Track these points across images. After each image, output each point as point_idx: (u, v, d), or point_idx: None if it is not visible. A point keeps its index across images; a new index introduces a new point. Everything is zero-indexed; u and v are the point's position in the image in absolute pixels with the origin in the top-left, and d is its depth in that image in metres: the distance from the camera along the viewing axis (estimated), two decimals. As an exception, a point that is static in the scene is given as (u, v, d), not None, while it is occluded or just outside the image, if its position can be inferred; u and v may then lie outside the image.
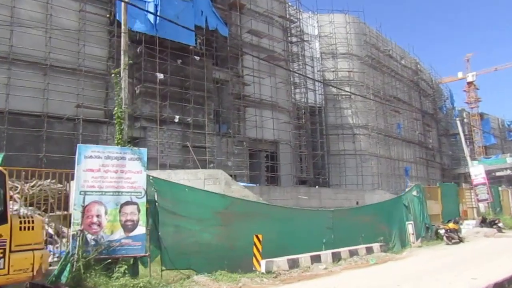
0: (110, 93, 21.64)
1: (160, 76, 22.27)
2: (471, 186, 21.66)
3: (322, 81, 36.05)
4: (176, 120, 22.87)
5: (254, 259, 8.43)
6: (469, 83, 76.23)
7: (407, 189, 16.32)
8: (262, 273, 8.21)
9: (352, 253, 10.54)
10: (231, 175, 24.53)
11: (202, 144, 23.90)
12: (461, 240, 14.61)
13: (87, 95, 20.69)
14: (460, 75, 77.57)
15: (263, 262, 8.48)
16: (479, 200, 21.05)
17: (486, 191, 20.80)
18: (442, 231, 14.15)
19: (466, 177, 60.19)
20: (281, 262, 8.69)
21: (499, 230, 18.30)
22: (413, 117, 46.89)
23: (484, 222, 19.03)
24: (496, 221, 18.68)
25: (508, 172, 73.33)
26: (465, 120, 78.67)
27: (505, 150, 78.45)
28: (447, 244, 13.88)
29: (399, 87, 44.59)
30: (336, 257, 10.00)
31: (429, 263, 9.86)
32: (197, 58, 24.09)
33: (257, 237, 8.41)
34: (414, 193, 15.65)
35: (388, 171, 38.84)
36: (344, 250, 10.43)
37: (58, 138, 20.00)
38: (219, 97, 27.05)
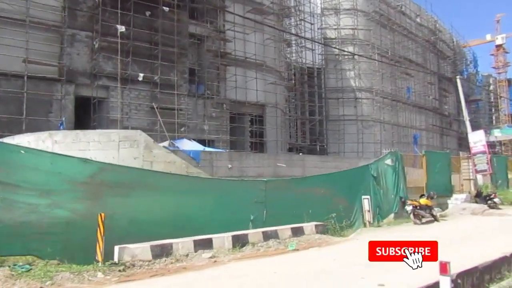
0: (66, 47, 19.73)
1: (121, 28, 20.00)
2: (469, 155, 18.88)
3: (319, 42, 32.90)
4: (140, 79, 20.73)
5: (97, 246, 6.42)
6: (498, 46, 70.25)
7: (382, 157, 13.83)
8: (104, 264, 6.23)
9: (269, 236, 8.36)
10: (207, 140, 22.74)
11: (173, 106, 21.78)
12: (435, 218, 12.22)
13: (38, 50, 18.70)
14: (488, 37, 71.46)
15: (115, 249, 6.49)
16: (477, 171, 18.32)
17: (486, 160, 18.00)
18: (409, 208, 11.73)
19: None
20: (139, 249, 6.63)
21: (494, 206, 15.74)
22: (428, 80, 43.11)
23: (479, 196, 16.47)
24: (492, 196, 16.07)
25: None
26: (491, 86, 73.47)
27: (535, 118, 73.03)
28: (415, 224, 11.53)
29: (412, 47, 40.71)
30: (240, 241, 7.88)
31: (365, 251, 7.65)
32: (166, 9, 21.58)
33: (100, 216, 6.36)
34: (388, 161, 13.22)
35: (393, 138, 35.89)
36: (255, 232, 8.27)
37: (5, 97, 18.27)
38: (198, 55, 24.64)
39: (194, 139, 22.08)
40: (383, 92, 35.49)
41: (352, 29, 34.36)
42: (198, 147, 20.38)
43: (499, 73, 71.12)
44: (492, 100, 73.44)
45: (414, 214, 11.72)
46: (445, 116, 46.62)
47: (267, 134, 26.60)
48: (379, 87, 34.77)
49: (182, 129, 21.97)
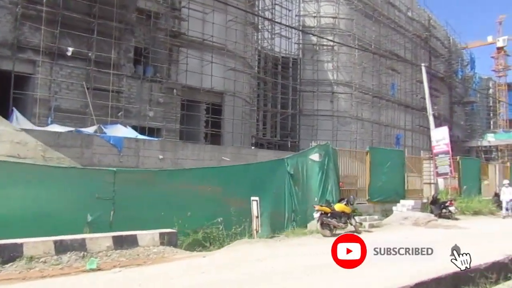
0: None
1: (47, -6, 17.71)
2: (431, 155, 16.47)
3: (296, 28, 30.42)
4: (69, 53, 18.42)
5: None
6: (499, 49, 67.21)
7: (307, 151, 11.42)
8: None
9: (67, 247, 5.99)
10: (148, 128, 20.43)
11: (109, 87, 19.47)
12: (355, 229, 9.85)
13: None
14: (490, 39, 68.57)
15: None
16: (438, 174, 15.92)
17: (448, 162, 15.60)
18: (316, 215, 9.33)
19: (479, 152, 53.67)
20: None
21: (449, 215, 13.42)
22: (417, 78, 40.48)
23: (435, 203, 14.09)
24: (448, 204, 13.69)
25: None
26: (491, 90, 70.65)
27: (535, 125, 70.05)
28: (324, 236, 9.14)
29: (401, 42, 38.19)
30: (8, 254, 5.54)
31: (194, 277, 5.36)
32: (106, -23, 19.26)
33: None
34: (314, 157, 10.90)
35: (373, 138, 33.47)
36: (39, 242, 5.86)
37: None
38: (147, 33, 22.28)
39: (135, 126, 19.89)
40: (363, 87, 33.07)
41: (333, 17, 31.92)
42: (131, 134, 18.17)
43: (499, 76, 68.20)
44: (491, 104, 70.75)
45: (322, 224, 9.38)
46: (435, 117, 43.90)
47: (225, 125, 24.28)
48: (359, 81, 32.34)
49: (120, 113, 19.68)
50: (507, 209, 15.37)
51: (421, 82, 41.05)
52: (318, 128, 31.08)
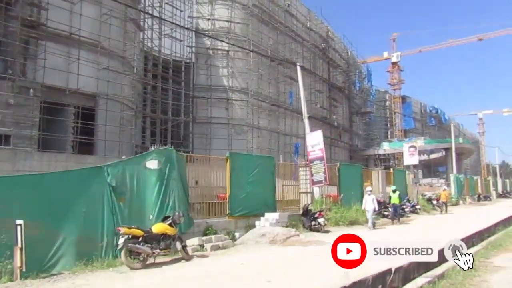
0: None
1: None
2: (307, 162, 15.51)
3: (188, 28, 28.58)
4: None
5: None
6: (394, 64, 72.57)
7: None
8: None
9: None
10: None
11: None
12: (184, 256, 7.95)
13: None
14: (385, 55, 73.76)
15: None
16: (313, 182, 14.93)
17: (323, 169, 14.68)
18: (120, 241, 7.25)
19: (376, 160, 56.45)
20: None
21: (318, 228, 12.29)
22: (316, 88, 40.99)
23: (306, 214, 12.89)
24: (317, 215, 12.59)
25: (425, 157, 71.52)
26: (387, 102, 75.68)
27: (425, 134, 76.24)
28: (131, 268, 7.04)
29: (299, 51, 38.26)
30: None
31: None
32: None
33: None
34: (150, 164, 8.87)
35: (271, 146, 32.63)
36: None
37: None
38: (-3, 22, 18.74)
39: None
40: (261, 95, 32.19)
41: (228, 21, 30.66)
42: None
43: (394, 89, 73.41)
44: (388, 115, 75.68)
45: (131, 251, 7.33)
46: (334, 127, 44.94)
47: (98, 132, 21.35)
48: (255, 88, 31.37)
49: (-52, 116, 15.96)
50: (373, 223, 13.93)
51: (320, 92, 41.78)
52: (212, 137, 29.35)
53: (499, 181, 52.30)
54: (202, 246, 9.12)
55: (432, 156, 70.05)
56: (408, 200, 21.24)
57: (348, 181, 16.26)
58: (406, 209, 19.53)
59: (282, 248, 9.52)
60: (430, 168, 73.66)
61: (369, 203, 14.17)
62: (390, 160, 69.85)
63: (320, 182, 14.69)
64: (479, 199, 35.71)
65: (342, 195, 15.87)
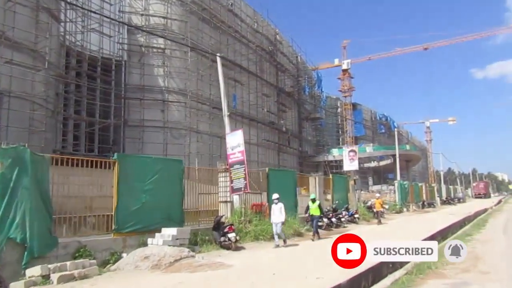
0: None
1: None
2: (227, 167, 13.69)
3: (117, 20, 26.13)
4: None
5: None
6: (344, 71, 72.86)
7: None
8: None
9: None
10: None
11: None
12: None
13: None
14: (336, 61, 74.06)
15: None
16: (233, 190, 13.12)
17: (243, 175, 12.92)
18: None
19: (326, 167, 55.85)
20: None
21: (228, 245, 10.46)
22: (263, 92, 39.56)
23: (217, 228, 11.00)
24: (227, 229, 10.74)
25: (375, 164, 72.19)
26: (339, 109, 75.99)
27: (375, 142, 77.14)
28: None
29: (245, 53, 36.70)
30: None
31: None
32: None
33: None
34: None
35: (212, 152, 30.65)
36: None
37: None
38: None
39: None
40: (201, 97, 30.20)
41: (164, 18, 28.51)
42: None
43: (345, 96, 73.65)
44: (339, 122, 75.91)
45: None
46: (283, 132, 43.63)
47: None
48: (195, 90, 29.34)
49: None
50: (278, 236, 11.83)
51: (268, 96, 40.31)
52: (146, 141, 26.93)
53: (443, 187, 53.10)
54: (47, 277, 6.95)
55: (382, 163, 70.80)
56: (347, 209, 19.95)
57: (279, 188, 14.60)
58: (343, 219, 18.16)
59: (163, 275, 7.53)
60: (380, 175, 74.49)
61: (277, 214, 11.73)
62: (342, 167, 70.12)
63: (240, 189, 12.87)
64: (423, 206, 35.47)
65: (267, 204, 14.12)
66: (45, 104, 21.29)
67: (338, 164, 68.46)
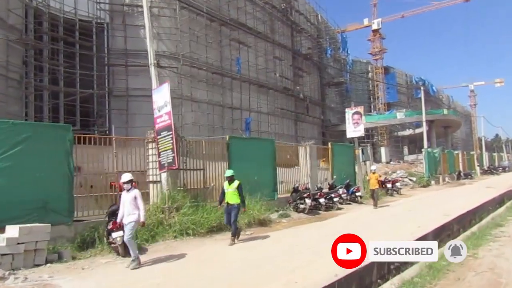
0: None
1: None
2: (154, 137, 10.33)
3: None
4: None
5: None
6: (374, 31, 66.80)
7: None
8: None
9: None
10: None
11: None
12: None
13: None
14: (366, 22, 67.94)
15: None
16: (161, 167, 9.87)
17: (171, 145, 9.60)
18: None
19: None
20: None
21: (116, 247, 7.39)
22: (274, 55, 35.64)
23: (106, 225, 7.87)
24: (111, 226, 7.58)
25: (410, 131, 66.61)
26: (370, 73, 70.18)
27: (411, 108, 70.96)
28: None
29: (250, 11, 32.76)
30: None
31: None
32: None
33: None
34: None
35: (212, 122, 27.65)
36: None
37: None
38: None
39: None
40: (197, 61, 26.93)
41: (149, -29, 25.07)
42: None
43: (376, 59, 67.83)
44: (371, 88, 70.22)
45: None
46: (300, 100, 39.71)
47: None
48: (188, 53, 26.09)
49: None
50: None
51: (281, 59, 36.35)
52: (133, 113, 24.22)
53: (485, 155, 47.31)
54: None
55: (418, 130, 65.14)
56: (348, 185, 16.37)
57: (247, 162, 11.28)
58: (336, 199, 14.61)
59: None
60: (416, 144, 68.80)
61: (128, 208, 7.22)
62: (374, 136, 65.00)
63: (168, 165, 9.68)
64: (459, 177, 30.90)
65: (212, 185, 10.85)
66: (6, 72, 18.88)
67: (370, 133, 63.94)
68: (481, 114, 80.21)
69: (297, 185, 13.95)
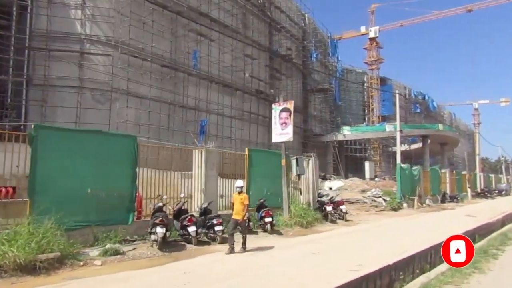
0: None
1: None
2: None
3: None
4: None
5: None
6: (371, 40, 63.01)
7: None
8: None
9: None
10: None
11: None
12: None
13: None
14: (363, 29, 64.23)
15: None
16: None
17: None
18: None
19: (335, 148, 47.15)
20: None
21: None
22: (246, 52, 31.97)
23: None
24: None
25: (405, 147, 62.27)
26: (366, 84, 66.19)
27: (408, 123, 66.52)
28: None
29: (215, 1, 29.20)
30: None
31: None
32: None
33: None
34: None
35: (160, 123, 23.93)
36: None
37: None
38: None
39: None
40: (142, 51, 23.30)
41: None
42: None
43: (371, 69, 63.95)
44: (365, 100, 66.08)
45: None
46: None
47: None
48: (129, 40, 22.49)
49: None
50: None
51: (253, 58, 32.70)
52: (56, 104, 20.60)
53: (480, 176, 42.70)
54: None
55: (413, 146, 61.00)
56: (262, 206, 12.37)
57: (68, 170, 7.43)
58: (218, 227, 10.15)
59: None
60: (411, 160, 64.43)
61: None
62: (367, 150, 60.78)
63: None
64: (443, 199, 26.59)
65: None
66: None
67: (363, 147, 59.69)
68: (484, 133, 75.75)
69: (160, 203, 9.66)
